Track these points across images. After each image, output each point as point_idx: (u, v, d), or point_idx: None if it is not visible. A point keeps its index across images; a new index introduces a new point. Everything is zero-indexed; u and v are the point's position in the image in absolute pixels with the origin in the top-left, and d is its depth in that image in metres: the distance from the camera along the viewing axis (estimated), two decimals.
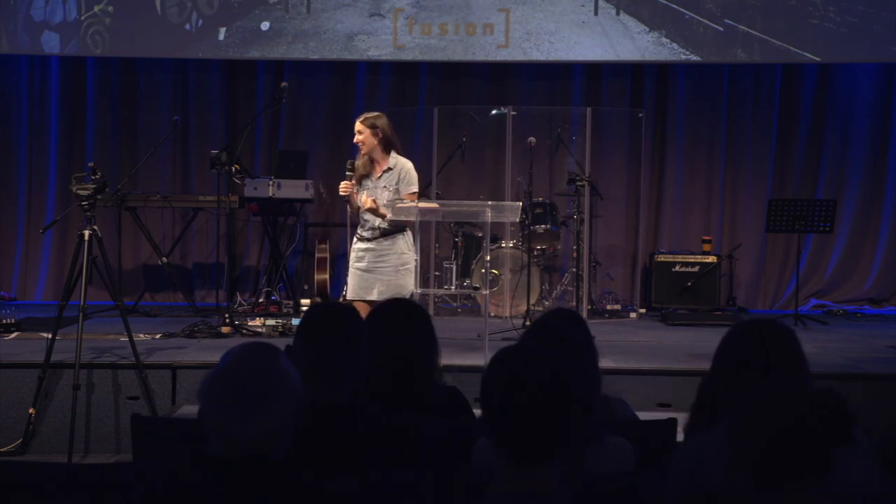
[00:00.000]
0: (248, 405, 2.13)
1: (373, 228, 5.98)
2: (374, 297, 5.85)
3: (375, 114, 6.06)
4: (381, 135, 5.94)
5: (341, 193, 5.98)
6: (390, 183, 5.97)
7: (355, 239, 6.08)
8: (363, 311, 5.97)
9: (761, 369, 2.61)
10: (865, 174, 9.62)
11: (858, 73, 9.59)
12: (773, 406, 2.14)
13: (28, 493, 2.76)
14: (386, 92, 9.71)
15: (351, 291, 6.03)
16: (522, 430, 2.11)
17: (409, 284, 5.98)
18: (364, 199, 5.93)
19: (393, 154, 6.00)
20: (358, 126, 5.97)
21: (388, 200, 5.91)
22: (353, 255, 6.07)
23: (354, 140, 5.99)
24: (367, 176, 6.01)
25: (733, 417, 2.13)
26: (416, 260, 6.05)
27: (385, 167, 5.98)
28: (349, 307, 3.05)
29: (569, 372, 2.17)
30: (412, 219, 5.97)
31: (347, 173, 5.98)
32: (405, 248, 5.99)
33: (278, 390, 2.16)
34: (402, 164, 6.01)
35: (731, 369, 2.68)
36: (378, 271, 5.96)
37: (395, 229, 5.97)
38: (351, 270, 6.07)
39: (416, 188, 6.02)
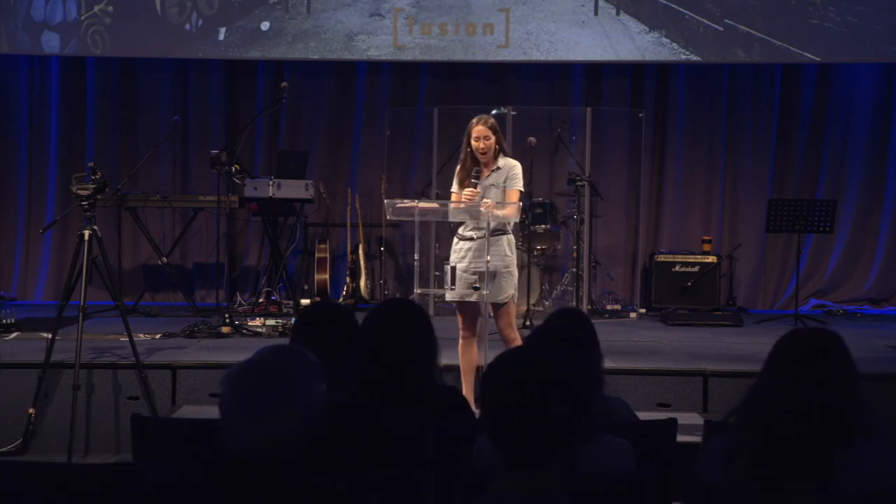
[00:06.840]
0: (255, 404, 2.14)
1: (477, 228, 5.74)
2: (475, 298, 5.66)
3: (490, 116, 5.83)
4: (499, 137, 5.74)
5: (467, 202, 5.64)
6: (498, 181, 5.74)
7: (456, 239, 5.83)
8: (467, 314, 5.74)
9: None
10: (865, 174, 9.62)
11: (858, 73, 9.59)
12: (777, 406, 2.13)
13: (28, 493, 2.75)
14: (386, 92, 9.70)
15: (453, 294, 5.74)
16: (520, 433, 2.09)
17: (509, 288, 5.73)
18: (485, 203, 5.61)
19: (501, 156, 5.78)
20: (484, 131, 5.67)
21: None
22: (454, 256, 5.81)
23: (478, 147, 5.66)
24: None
25: (738, 415, 2.12)
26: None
27: (494, 167, 5.76)
28: (345, 306, 3.05)
29: (570, 377, 2.14)
30: (412, 218, 5.92)
31: (473, 181, 5.67)
32: (508, 251, 5.76)
33: (291, 396, 2.16)
34: (512, 164, 5.77)
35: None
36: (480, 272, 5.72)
37: (500, 229, 5.75)
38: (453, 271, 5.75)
39: (521, 186, 5.79)
